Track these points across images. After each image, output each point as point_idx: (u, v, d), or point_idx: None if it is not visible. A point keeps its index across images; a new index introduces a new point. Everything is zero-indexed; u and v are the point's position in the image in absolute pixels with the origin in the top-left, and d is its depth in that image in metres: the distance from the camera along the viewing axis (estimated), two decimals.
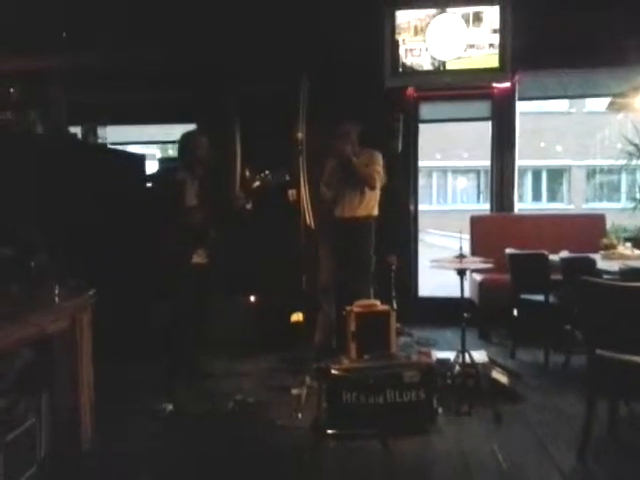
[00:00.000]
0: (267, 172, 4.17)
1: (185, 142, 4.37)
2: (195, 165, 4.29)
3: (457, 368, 3.76)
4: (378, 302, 4.09)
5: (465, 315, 3.78)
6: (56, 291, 2.99)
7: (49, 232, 3.76)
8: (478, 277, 5.31)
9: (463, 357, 3.73)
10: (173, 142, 7.15)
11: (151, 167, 6.17)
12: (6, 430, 2.54)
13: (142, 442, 3.28)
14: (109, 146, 6.09)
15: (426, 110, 6.22)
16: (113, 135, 7.19)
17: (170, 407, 3.61)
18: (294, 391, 3.79)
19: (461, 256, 3.73)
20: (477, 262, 4.05)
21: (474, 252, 5.51)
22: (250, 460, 3.08)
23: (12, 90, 4.82)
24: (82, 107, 5.75)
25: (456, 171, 19.61)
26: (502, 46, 5.53)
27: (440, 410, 3.42)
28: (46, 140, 4.70)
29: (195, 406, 3.71)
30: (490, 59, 5.58)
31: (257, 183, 4.18)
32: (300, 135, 5.02)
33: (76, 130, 6.02)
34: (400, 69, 5.70)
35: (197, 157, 4.29)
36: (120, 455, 3.11)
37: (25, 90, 4.89)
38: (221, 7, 5.62)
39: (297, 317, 4.46)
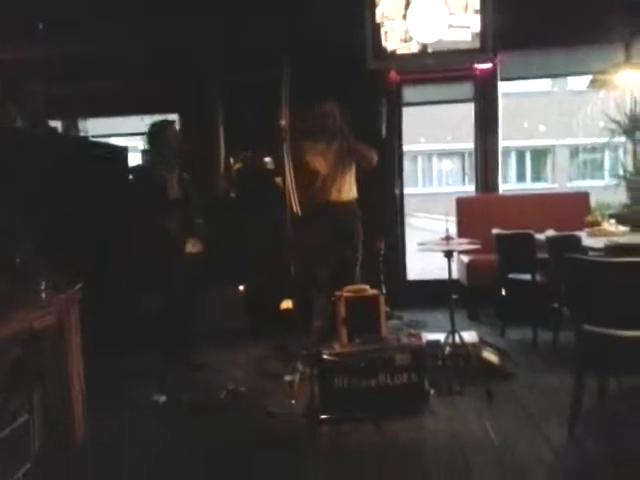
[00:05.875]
0: (247, 153, 4.14)
1: (156, 132, 4.32)
2: (170, 156, 4.25)
3: (447, 349, 3.79)
4: (367, 287, 4.10)
5: (453, 296, 3.81)
6: (43, 286, 2.96)
7: (33, 227, 3.71)
8: (465, 258, 5.34)
9: (453, 338, 3.76)
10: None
11: (134, 159, 6.11)
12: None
13: (136, 434, 3.28)
14: (90, 139, 6.02)
15: (409, 93, 6.20)
16: (94, 128, 7.13)
17: (163, 398, 3.61)
18: (286, 378, 3.80)
19: (448, 238, 3.75)
20: (464, 243, 4.07)
21: (461, 233, 5.52)
22: (245, 449, 3.09)
23: None
24: (61, 100, 5.67)
25: (441, 154, 19.67)
26: (483, 27, 5.52)
27: (432, 391, 3.45)
28: (25, 134, 4.63)
29: (188, 397, 3.71)
30: (471, 40, 5.58)
31: (238, 165, 4.15)
32: (283, 122, 4.99)
33: (56, 124, 5.96)
34: (381, 52, 5.68)
35: (171, 147, 4.24)
36: (114, 448, 3.11)
37: (3, 84, 4.82)
38: None
39: (287, 304, 4.46)
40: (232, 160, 4.28)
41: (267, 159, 4.22)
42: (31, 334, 2.74)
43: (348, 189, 4.63)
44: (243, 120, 5.55)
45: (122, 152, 5.57)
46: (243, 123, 5.54)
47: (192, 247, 4.11)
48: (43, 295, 2.92)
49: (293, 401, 3.49)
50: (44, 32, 5.64)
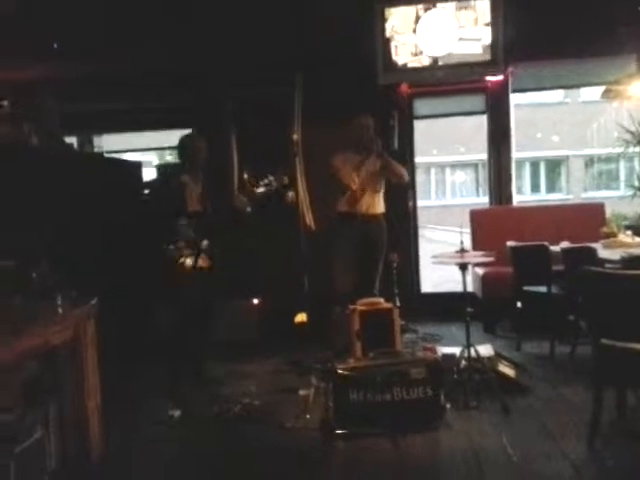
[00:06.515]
0: (271, 178, 4.16)
1: (185, 145, 4.37)
2: (197, 169, 4.30)
3: (463, 363, 3.76)
4: (381, 300, 4.09)
5: (469, 309, 3.78)
6: (59, 302, 2.99)
7: (49, 243, 3.75)
8: (480, 271, 5.31)
9: (469, 351, 3.73)
10: (170, 148, 7.18)
11: (149, 174, 6.17)
12: (15, 443, 2.54)
13: (151, 449, 3.28)
14: (105, 154, 6.09)
15: (420, 106, 6.22)
16: (109, 143, 7.22)
17: (178, 413, 3.61)
18: (301, 392, 3.79)
19: (462, 250, 3.73)
20: (479, 256, 4.05)
21: (475, 246, 5.51)
22: (260, 463, 3.07)
23: (5, 102, 4.83)
24: (77, 117, 5.75)
25: (454, 166, 19.62)
26: (494, 39, 5.53)
27: (448, 406, 3.42)
28: (42, 151, 4.69)
29: (203, 411, 3.70)
30: (482, 53, 5.59)
31: (261, 189, 4.17)
32: (296, 136, 5.02)
33: (72, 140, 6.04)
34: (392, 66, 5.71)
35: (198, 160, 4.29)
36: (130, 463, 3.11)
37: (18, 101, 4.89)
38: (212, 11, 5.63)
39: (301, 318, 4.46)
40: (246, 176, 4.30)
41: (285, 178, 4.24)
42: (47, 349, 2.76)
43: (378, 204, 4.68)
44: (256, 135, 5.60)
45: (137, 167, 5.63)
46: (256, 138, 5.58)
47: (201, 261, 4.11)
48: (59, 310, 2.94)
49: (308, 415, 3.47)
50: (59, 51, 5.74)
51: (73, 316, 2.99)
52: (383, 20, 5.67)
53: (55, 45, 5.79)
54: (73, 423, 2.95)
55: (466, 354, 3.75)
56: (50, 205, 4.09)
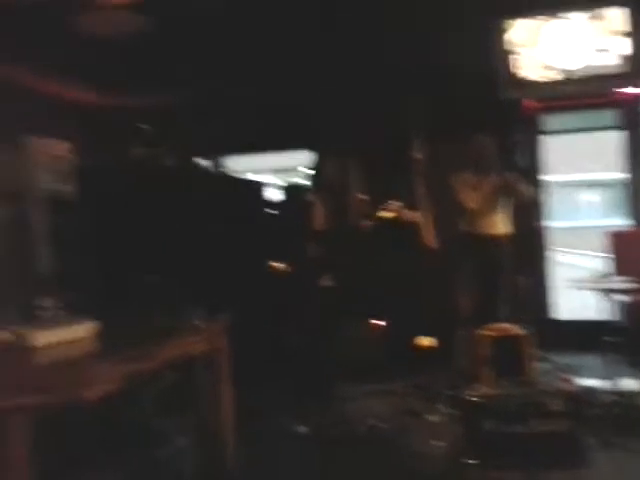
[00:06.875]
0: (397, 203, 4.15)
1: (314, 168, 4.48)
2: (324, 190, 4.37)
3: (605, 397, 3.47)
4: (512, 326, 3.89)
5: (610, 339, 3.50)
6: (195, 315, 3.11)
7: (185, 261, 3.95)
8: (626, 298, 4.87)
9: (612, 385, 3.44)
10: (289, 170, 7.39)
11: (272, 194, 6.36)
12: (156, 449, 2.66)
13: (280, 463, 3.32)
14: (232, 175, 6.35)
15: (549, 122, 5.93)
16: (234, 164, 7.53)
17: (305, 430, 3.62)
18: (429, 417, 3.67)
19: (607, 275, 3.47)
20: (627, 282, 3.74)
21: (619, 271, 5.09)
22: None
23: (143, 126, 5.18)
24: (205, 138, 6.05)
25: (584, 185, 18.48)
26: (635, 49, 5.17)
27: (589, 443, 3.16)
28: (177, 172, 5.00)
29: (329, 429, 3.69)
30: (620, 64, 5.24)
31: (387, 214, 4.16)
32: (419, 155, 4.98)
33: (201, 161, 6.36)
34: (517, 80, 5.49)
35: (326, 182, 4.37)
36: (261, 476, 3.14)
37: (154, 125, 5.24)
38: (335, 37, 5.69)
39: (428, 342, 4.35)
40: (368, 196, 4.31)
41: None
42: (186, 360, 2.88)
43: (501, 223, 4.50)
44: (379, 154, 5.59)
45: (260, 187, 5.83)
46: (379, 158, 5.58)
47: (325, 280, 4.15)
48: (196, 323, 3.06)
49: (436, 442, 3.35)
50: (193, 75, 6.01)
51: (208, 330, 3.10)
52: (505, 33, 5.48)
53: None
54: (209, 433, 3.04)
55: (608, 388, 3.47)
56: (184, 225, 4.32)
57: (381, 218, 4.15)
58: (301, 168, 4.69)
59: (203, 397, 3.04)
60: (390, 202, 4.17)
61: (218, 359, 3.10)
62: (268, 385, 4.30)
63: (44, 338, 2.57)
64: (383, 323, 5.11)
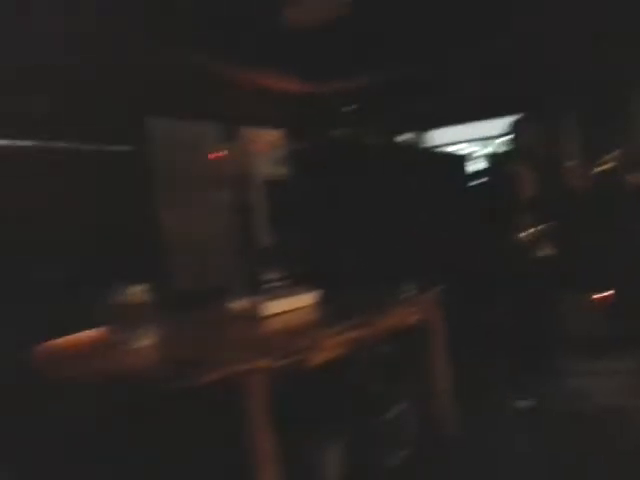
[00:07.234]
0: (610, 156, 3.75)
1: (515, 131, 4.24)
2: (529, 155, 4.12)
3: None
4: None
5: None
6: (411, 287, 3.14)
7: (395, 236, 4.00)
8: None
9: None
10: (493, 138, 7.06)
11: (474, 165, 6.13)
12: (381, 413, 2.76)
13: (500, 437, 3.22)
14: (432, 149, 6.26)
15: None
16: (436, 137, 7.39)
17: (527, 404, 3.46)
18: None
19: None
20: None
21: None
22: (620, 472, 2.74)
23: (351, 107, 5.34)
24: (408, 114, 6.02)
25: None
26: None
27: None
28: (379, 149, 5.07)
29: (554, 405, 3.49)
30: None
31: (600, 169, 3.79)
32: None
33: (405, 136, 6.38)
34: None
35: (529, 146, 4.11)
36: (480, 449, 3.08)
37: (360, 104, 5.34)
38: None
39: None
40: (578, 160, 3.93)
41: None
42: (404, 328, 2.93)
43: None
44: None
45: (463, 159, 5.67)
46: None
47: (545, 249, 3.89)
48: (411, 294, 3.09)
49: None
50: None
51: (423, 300, 3.12)
52: None
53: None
54: (426, 402, 3.07)
55: None
56: (388, 199, 4.38)
57: (603, 172, 3.75)
58: (502, 137, 4.42)
59: (420, 365, 3.07)
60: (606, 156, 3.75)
61: (433, 328, 3.11)
62: (485, 357, 4.19)
63: (273, 307, 2.80)
64: (610, 293, 4.65)
